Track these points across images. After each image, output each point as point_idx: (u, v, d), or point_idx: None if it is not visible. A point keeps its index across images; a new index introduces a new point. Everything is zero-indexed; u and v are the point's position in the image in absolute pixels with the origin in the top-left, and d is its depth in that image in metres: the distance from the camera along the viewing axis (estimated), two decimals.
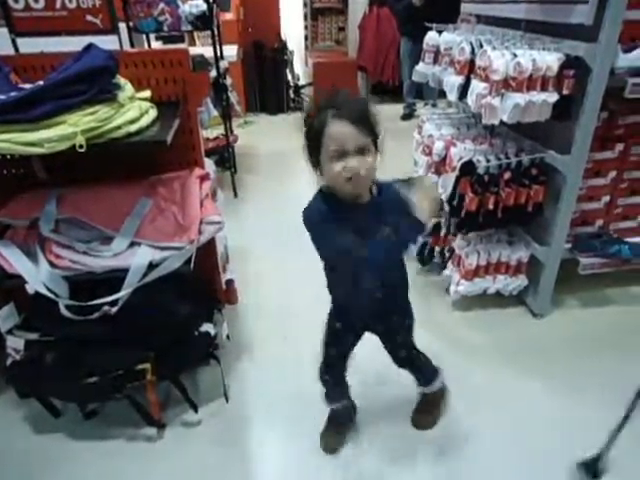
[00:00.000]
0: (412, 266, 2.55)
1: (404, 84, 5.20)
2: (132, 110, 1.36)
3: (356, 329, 1.43)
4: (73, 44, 1.42)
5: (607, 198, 2.08)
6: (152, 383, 1.58)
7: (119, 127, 1.31)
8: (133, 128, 1.34)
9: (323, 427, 1.65)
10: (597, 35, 1.62)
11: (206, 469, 1.57)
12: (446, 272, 2.28)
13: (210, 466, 1.58)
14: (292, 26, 6.12)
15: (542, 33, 1.85)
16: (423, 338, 2.07)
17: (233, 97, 3.92)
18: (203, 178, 1.68)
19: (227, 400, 1.79)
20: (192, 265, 1.48)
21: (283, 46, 5.46)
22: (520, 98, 1.69)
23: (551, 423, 1.69)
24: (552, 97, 1.71)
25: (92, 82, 1.27)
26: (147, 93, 1.50)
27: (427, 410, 1.69)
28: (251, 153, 4.44)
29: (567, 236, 2.03)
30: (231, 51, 3.57)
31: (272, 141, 4.71)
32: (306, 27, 7.03)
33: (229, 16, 4.76)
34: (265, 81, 5.51)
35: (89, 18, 1.45)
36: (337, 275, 1.27)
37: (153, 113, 1.45)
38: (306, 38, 7.03)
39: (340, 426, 1.64)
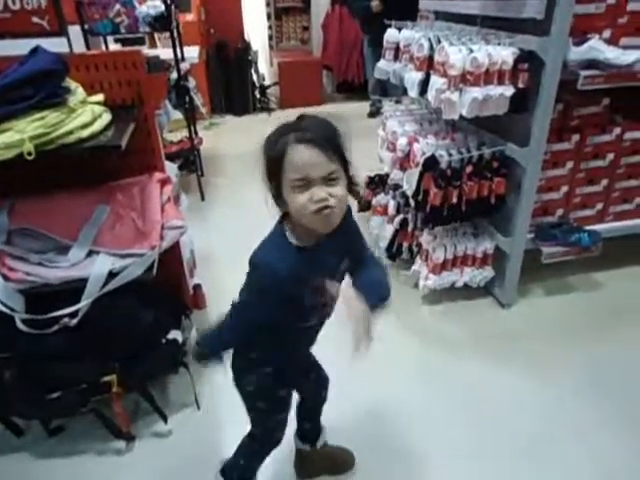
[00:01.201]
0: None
1: (369, 82, 5.23)
2: (84, 114, 1.32)
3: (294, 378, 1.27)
4: (20, 47, 1.36)
5: (566, 188, 2.13)
6: (118, 395, 1.53)
7: (70, 132, 1.27)
8: (85, 133, 1.30)
9: None
10: (549, 29, 1.66)
11: None
12: (414, 267, 2.30)
13: (183, 477, 1.54)
14: (255, 26, 6.08)
15: (497, 28, 1.88)
16: (395, 332, 2.11)
17: (197, 99, 3.86)
18: (164, 182, 1.64)
19: (198, 407, 1.76)
20: (154, 271, 1.45)
21: (247, 46, 5.41)
22: (478, 92, 1.72)
23: (527, 406, 1.73)
24: (508, 90, 1.74)
25: (39, 86, 1.22)
26: (100, 97, 1.46)
27: (340, 450, 1.55)
28: (218, 155, 4.38)
29: (529, 226, 2.08)
30: (193, 52, 3.51)
31: (239, 142, 4.66)
32: (270, 27, 7.00)
33: (190, 17, 4.69)
34: (230, 82, 5.45)
35: (35, 20, 1.39)
36: (278, 336, 1.08)
37: (107, 117, 1.41)
38: (270, 38, 7.00)
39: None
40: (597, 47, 1.71)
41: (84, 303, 1.38)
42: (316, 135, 0.89)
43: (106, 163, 1.55)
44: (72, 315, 1.39)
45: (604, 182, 2.17)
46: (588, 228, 2.15)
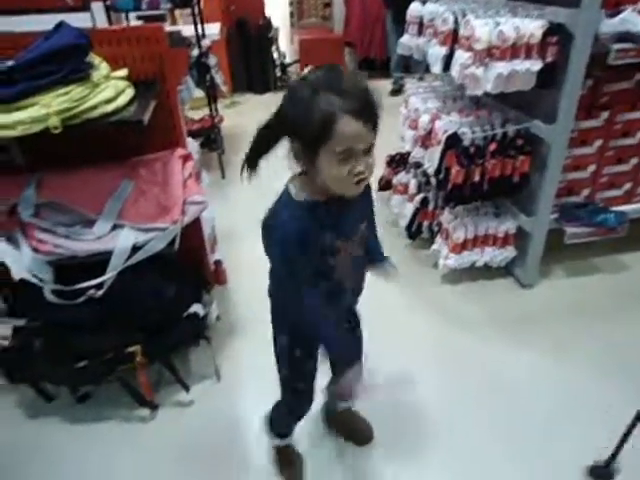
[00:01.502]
0: (401, 241, 2.55)
1: (391, 59, 5.14)
2: (108, 89, 1.33)
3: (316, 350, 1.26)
4: (44, 23, 1.37)
5: (593, 167, 2.08)
6: (142, 365, 1.58)
7: (95, 107, 1.28)
8: (109, 108, 1.31)
9: (276, 467, 1.49)
10: (580, 0, 1.60)
11: (200, 448, 1.59)
12: (434, 246, 2.29)
13: (204, 445, 1.59)
14: (276, 3, 5.98)
15: (525, 0, 1.81)
16: (414, 312, 2.11)
17: (218, 77, 3.85)
18: (186, 158, 1.66)
19: (219, 379, 1.81)
20: (176, 246, 1.47)
21: (268, 24, 5.35)
22: (503, 68, 1.68)
23: (545, 390, 1.72)
24: (536, 65, 1.69)
25: (63, 61, 1.23)
26: (124, 72, 1.47)
27: (361, 421, 1.59)
28: (239, 134, 4.37)
29: (553, 206, 2.04)
30: (214, 29, 3.49)
31: (260, 121, 4.65)
32: (291, 3, 6.89)
33: None
34: (251, 60, 5.41)
35: None
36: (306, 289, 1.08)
37: (130, 92, 1.42)
38: (291, 15, 6.89)
39: (293, 463, 1.49)
40: (631, 19, 1.64)
41: (109, 275, 1.41)
42: (363, 106, 0.87)
43: (129, 138, 1.56)
44: (98, 287, 1.43)
45: (634, 161, 2.10)
46: (615, 209, 2.09)
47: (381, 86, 5.21)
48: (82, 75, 1.28)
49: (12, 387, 1.74)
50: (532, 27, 1.64)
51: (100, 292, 1.44)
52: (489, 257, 2.16)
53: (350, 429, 1.58)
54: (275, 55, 5.55)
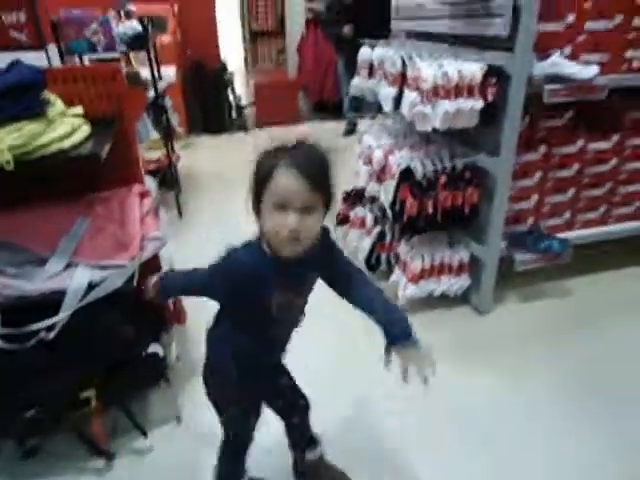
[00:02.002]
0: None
1: (344, 101, 5.35)
2: (63, 126, 1.33)
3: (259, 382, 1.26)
4: None
5: (536, 197, 2.22)
6: (98, 410, 1.50)
7: (50, 143, 1.27)
8: (65, 144, 1.30)
9: None
10: (514, 46, 1.75)
11: None
12: (393, 277, 2.34)
13: None
14: (231, 48, 6.17)
15: (466, 46, 1.97)
16: (375, 341, 2.12)
17: (174, 119, 3.88)
18: (143, 195, 1.65)
19: (179, 422, 1.73)
20: (135, 283, 1.44)
21: (223, 67, 5.48)
22: (449, 105, 1.79)
23: (506, 412, 1.76)
24: (478, 104, 1.82)
25: (17, 98, 1.22)
26: (79, 109, 1.46)
27: (333, 471, 1.51)
28: (195, 174, 4.38)
29: (503, 235, 2.15)
30: (170, 72, 3.54)
31: (215, 161, 4.69)
32: (245, 50, 7.13)
33: (166, 38, 4.73)
34: (206, 102, 5.49)
35: (14, 34, 1.40)
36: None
37: (86, 129, 1.41)
38: (246, 60, 7.11)
39: None
40: (559, 62, 1.81)
41: (62, 316, 1.35)
42: (305, 165, 0.92)
43: (85, 175, 1.54)
44: (49, 329, 1.36)
45: (571, 191, 2.26)
46: (558, 236, 2.23)
47: (334, 128, 5.41)
48: (37, 111, 1.27)
49: None
50: (473, 69, 1.78)
51: (52, 334, 1.37)
52: (446, 286, 2.23)
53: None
54: (231, 97, 5.66)
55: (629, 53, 1.99)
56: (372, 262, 2.50)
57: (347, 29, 4.58)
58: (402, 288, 2.23)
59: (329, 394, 1.53)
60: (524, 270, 2.19)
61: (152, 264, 1.69)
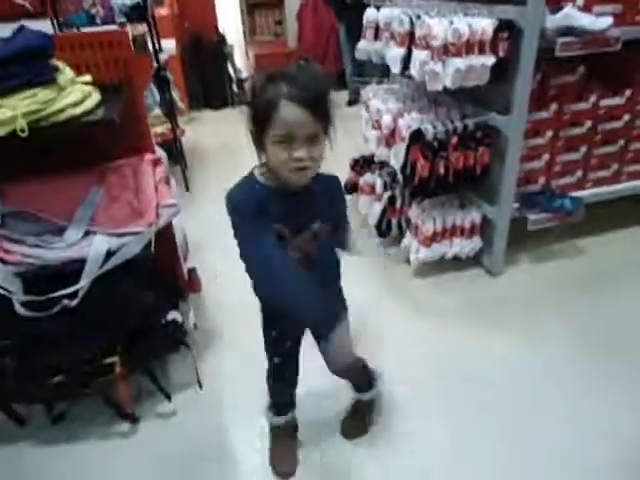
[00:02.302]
0: (372, 240, 2.60)
1: (346, 70, 5.27)
2: (74, 93, 1.31)
3: (292, 335, 1.32)
4: (3, 30, 1.34)
5: (547, 156, 2.20)
6: (122, 376, 1.53)
7: (62, 110, 1.26)
8: (77, 111, 1.29)
9: (270, 449, 1.51)
10: None
11: (184, 460, 1.54)
12: (405, 242, 2.34)
13: (188, 457, 1.54)
14: (230, 20, 6.04)
15: (476, 1, 1.92)
16: (388, 306, 2.15)
17: (176, 95, 3.83)
18: (156, 163, 1.64)
19: (200, 387, 1.77)
20: (152, 249, 1.45)
21: (222, 39, 5.38)
22: (460, 63, 1.76)
23: (522, 373, 1.77)
24: (490, 60, 1.78)
25: (28, 64, 1.21)
26: (87, 77, 1.44)
27: (360, 418, 1.58)
28: (200, 148, 4.36)
29: (514, 195, 2.14)
30: (170, 44, 3.49)
31: (218, 136, 4.65)
32: (243, 22, 6.96)
33: (163, 11, 4.64)
34: (206, 76, 5.41)
35: (19, 1, 1.37)
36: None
37: (96, 96, 1.40)
38: (244, 32, 6.96)
39: (289, 446, 1.50)
40: (572, 14, 1.76)
41: (83, 283, 1.37)
42: (308, 94, 0.91)
43: (97, 145, 1.54)
44: (72, 296, 1.38)
45: (583, 149, 2.24)
46: (570, 194, 2.22)
47: (337, 97, 5.34)
48: (48, 78, 1.25)
49: None
50: (484, 24, 1.74)
51: (75, 302, 1.38)
52: (458, 248, 2.23)
53: (346, 419, 1.59)
54: (231, 71, 5.57)
55: None
56: (383, 228, 2.50)
57: None
58: (414, 251, 2.24)
59: None
60: (537, 230, 2.19)
61: (166, 234, 1.71)
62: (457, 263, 2.33)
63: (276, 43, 6.18)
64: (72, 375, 1.48)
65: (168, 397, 1.68)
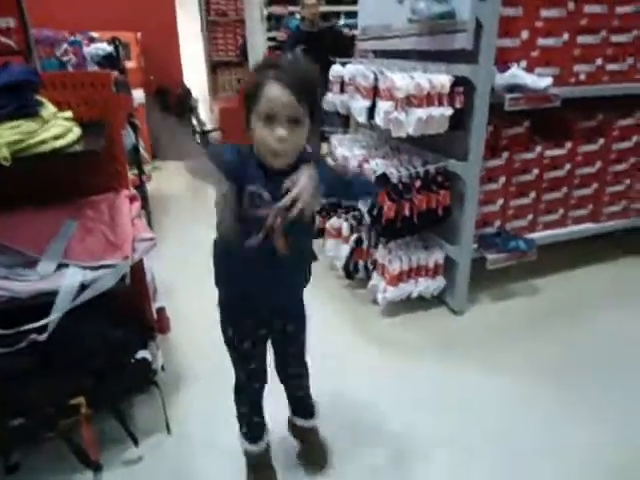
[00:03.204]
0: (339, 282, 2.66)
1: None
2: (57, 126, 1.34)
3: (254, 330, 1.28)
4: None
5: (501, 201, 2.37)
6: (87, 417, 1.46)
7: (44, 142, 1.28)
8: (59, 144, 1.32)
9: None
10: (477, 58, 1.92)
11: None
12: (372, 282, 2.41)
13: None
14: (195, 75, 6.25)
15: (433, 60, 2.12)
16: (356, 345, 2.18)
17: (140, 144, 3.88)
18: (132, 199, 1.66)
19: (169, 432, 1.70)
20: (127, 282, 1.44)
21: (187, 93, 5.54)
22: (422, 112, 1.92)
23: (481, 403, 1.83)
24: (448, 111, 1.96)
25: (13, 96, 1.24)
26: (68, 113, 1.48)
27: (313, 446, 1.56)
28: (163, 196, 4.37)
29: (474, 237, 2.27)
30: (138, 93, 3.57)
31: (182, 184, 4.72)
32: (208, 79, 7.25)
33: (130, 64, 4.75)
34: (171, 127, 5.50)
35: (2, 39, 1.42)
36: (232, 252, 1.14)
37: (77, 131, 1.43)
38: (209, 88, 7.23)
39: (267, 475, 1.47)
40: (518, 74, 1.98)
41: (54, 316, 1.33)
42: (293, 77, 0.99)
43: (74, 180, 1.55)
44: (40, 330, 1.34)
45: (532, 195, 2.43)
46: (524, 236, 2.38)
47: None
48: (32, 110, 1.28)
49: None
50: (442, 79, 1.93)
51: (44, 335, 1.34)
52: (423, 287, 2.32)
53: (305, 449, 1.57)
54: (195, 123, 5.69)
55: (576, 67, 2.21)
56: (350, 269, 2.56)
57: (298, 50, 4.80)
58: (381, 291, 2.30)
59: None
60: (496, 269, 2.32)
61: (136, 269, 1.69)
62: (422, 302, 2.41)
63: (239, 98, 6.41)
64: (34, 417, 1.39)
65: (135, 441, 1.60)
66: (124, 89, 2.45)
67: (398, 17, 2.24)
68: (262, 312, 1.27)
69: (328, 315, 2.39)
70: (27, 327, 1.31)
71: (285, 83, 0.98)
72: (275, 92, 0.98)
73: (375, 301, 2.40)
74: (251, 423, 1.42)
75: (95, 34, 3.54)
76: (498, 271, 2.36)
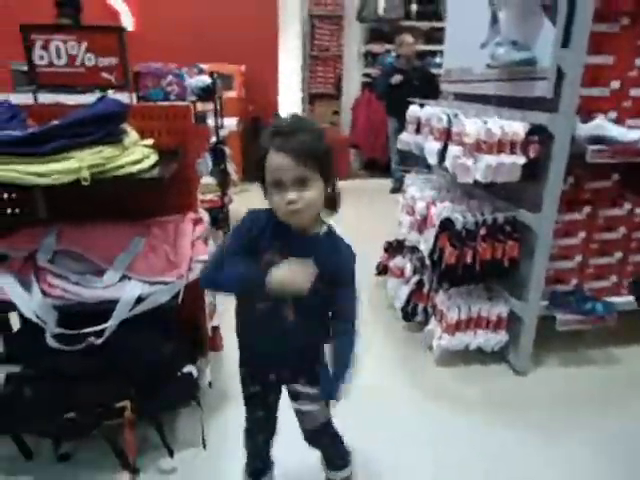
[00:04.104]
0: (396, 323, 2.60)
1: (392, 160, 5.54)
2: (135, 153, 1.49)
3: (263, 379, 1.29)
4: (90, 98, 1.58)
5: (579, 258, 2.19)
6: (130, 422, 1.56)
7: (122, 166, 1.43)
8: (135, 169, 1.46)
9: None
10: (558, 107, 1.82)
11: None
12: (429, 327, 2.33)
13: None
14: (289, 105, 6.58)
15: (510, 107, 2.06)
16: (407, 392, 2.10)
17: (230, 167, 4.15)
18: (197, 222, 1.78)
19: (204, 447, 1.75)
20: (179, 300, 1.54)
21: None
22: (491, 159, 1.86)
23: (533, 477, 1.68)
24: (520, 159, 1.87)
25: (101, 125, 1.40)
26: (149, 141, 1.64)
27: None
28: (240, 216, 4.60)
29: (544, 293, 2.12)
30: (231, 122, 3.84)
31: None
32: (303, 110, 7.58)
33: (231, 94, 5.16)
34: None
35: (104, 75, 1.63)
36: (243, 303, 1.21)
37: (154, 158, 1.58)
38: None
39: None
40: (603, 125, 1.85)
41: (112, 322, 1.46)
42: (291, 142, 1.01)
43: (147, 201, 1.70)
44: (98, 335, 1.47)
45: (618, 254, 2.22)
46: (603, 299, 2.17)
47: (382, 184, 5.60)
48: (115, 139, 1.44)
49: None
50: (516, 127, 1.86)
51: (100, 340, 1.47)
52: (482, 340, 2.19)
53: None
54: None
55: None
56: (408, 311, 2.50)
57: (395, 79, 4.89)
58: (437, 337, 2.22)
59: (357, 435, 1.52)
60: (566, 331, 2.13)
61: (196, 287, 1.80)
62: (481, 357, 2.27)
63: (330, 130, 6.62)
64: (84, 413, 1.52)
65: (171, 452, 1.68)
66: (203, 120, 2.66)
67: (479, 61, 2.21)
68: (269, 376, 1.28)
69: (379, 355, 2.35)
70: (87, 330, 1.45)
71: (286, 151, 1.00)
72: (277, 161, 1.01)
73: (430, 348, 2.31)
74: (250, 464, 1.42)
75: (204, 66, 3.90)
76: (572, 334, 2.17)
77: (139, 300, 1.50)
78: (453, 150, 1.98)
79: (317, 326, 1.21)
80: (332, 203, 1.14)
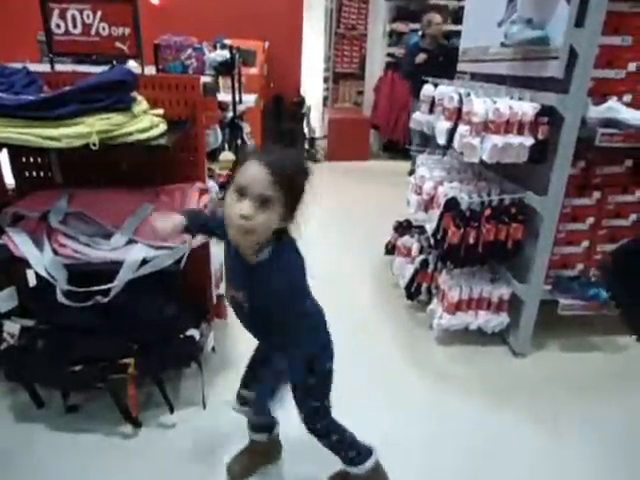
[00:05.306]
0: (400, 301, 2.63)
1: (412, 141, 5.48)
2: (144, 121, 1.54)
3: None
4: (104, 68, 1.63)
5: (586, 243, 2.17)
6: (134, 377, 1.65)
7: (130, 133, 1.48)
8: (142, 136, 1.51)
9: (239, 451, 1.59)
10: (569, 88, 1.79)
11: (178, 470, 1.60)
12: (431, 306, 2.35)
13: (182, 468, 1.61)
14: (312, 85, 6.57)
15: (523, 87, 2.03)
16: (405, 370, 2.14)
17: (250, 143, 4.19)
18: (203, 191, 1.83)
19: (204, 407, 1.84)
20: (182, 265, 1.60)
21: (301, 101, 5.85)
22: (498, 139, 1.85)
23: (531, 462, 1.70)
24: (528, 141, 1.86)
25: (110, 92, 1.45)
26: (160, 111, 1.69)
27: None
28: None
29: (548, 277, 2.11)
30: (250, 98, 3.86)
31: None
32: (327, 89, 7.54)
33: (253, 70, 5.16)
34: (282, 131, 5.85)
35: (119, 45, 1.68)
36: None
37: (163, 127, 1.63)
38: (326, 98, 7.51)
39: (253, 459, 1.58)
40: (616, 107, 1.81)
41: (117, 283, 1.54)
42: (273, 159, 1.00)
43: (157, 171, 1.76)
44: (105, 293, 1.55)
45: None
46: None
47: (401, 167, 5.55)
48: (124, 106, 1.49)
49: (7, 390, 1.83)
50: (525, 107, 1.84)
51: (106, 299, 1.55)
52: (483, 320, 2.21)
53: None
54: (305, 129, 5.99)
55: None
56: (412, 290, 2.52)
57: (420, 57, 4.81)
58: (437, 317, 2.24)
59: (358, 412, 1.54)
60: (568, 316, 2.13)
61: (202, 255, 1.87)
62: (481, 337, 2.29)
63: (352, 110, 6.60)
64: (90, 366, 1.61)
65: (171, 409, 1.77)
66: (212, 92, 2.69)
67: (495, 40, 2.18)
68: None
69: (380, 332, 2.39)
70: (94, 288, 1.53)
71: (264, 162, 0.99)
72: (253, 170, 1.00)
73: (432, 327, 2.34)
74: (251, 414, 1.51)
75: (227, 41, 3.91)
76: (577, 320, 2.16)
77: (143, 263, 1.57)
78: (461, 129, 1.97)
79: (269, 324, 1.19)
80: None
